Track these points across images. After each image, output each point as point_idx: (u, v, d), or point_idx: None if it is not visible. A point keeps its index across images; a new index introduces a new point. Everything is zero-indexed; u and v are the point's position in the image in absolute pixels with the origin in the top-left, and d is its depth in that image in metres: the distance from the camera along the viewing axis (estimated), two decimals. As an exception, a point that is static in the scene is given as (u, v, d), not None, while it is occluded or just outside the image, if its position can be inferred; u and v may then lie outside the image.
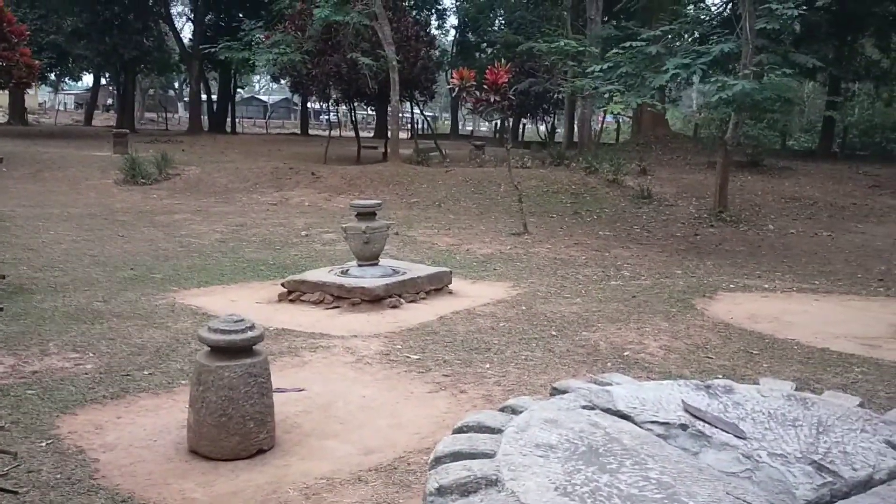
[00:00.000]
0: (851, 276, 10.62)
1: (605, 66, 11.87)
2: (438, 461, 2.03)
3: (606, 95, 12.23)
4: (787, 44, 18.76)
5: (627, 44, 11.79)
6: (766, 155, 22.92)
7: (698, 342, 6.18)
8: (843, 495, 1.91)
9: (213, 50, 23.96)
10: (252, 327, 3.98)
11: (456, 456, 2.02)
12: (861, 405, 2.50)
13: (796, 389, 2.63)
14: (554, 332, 6.51)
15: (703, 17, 24.98)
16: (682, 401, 2.39)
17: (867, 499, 1.89)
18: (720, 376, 5.22)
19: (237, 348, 3.92)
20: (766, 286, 9.18)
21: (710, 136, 22.83)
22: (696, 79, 11.62)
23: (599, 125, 29.54)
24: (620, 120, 32.67)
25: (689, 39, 13.39)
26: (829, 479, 1.97)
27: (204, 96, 42.67)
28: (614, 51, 12.03)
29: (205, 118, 40.50)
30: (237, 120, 44.80)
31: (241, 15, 35.78)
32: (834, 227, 15.60)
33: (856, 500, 1.89)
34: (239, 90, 48.96)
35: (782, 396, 2.48)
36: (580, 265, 10.54)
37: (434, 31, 34.29)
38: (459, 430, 2.23)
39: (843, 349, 6.10)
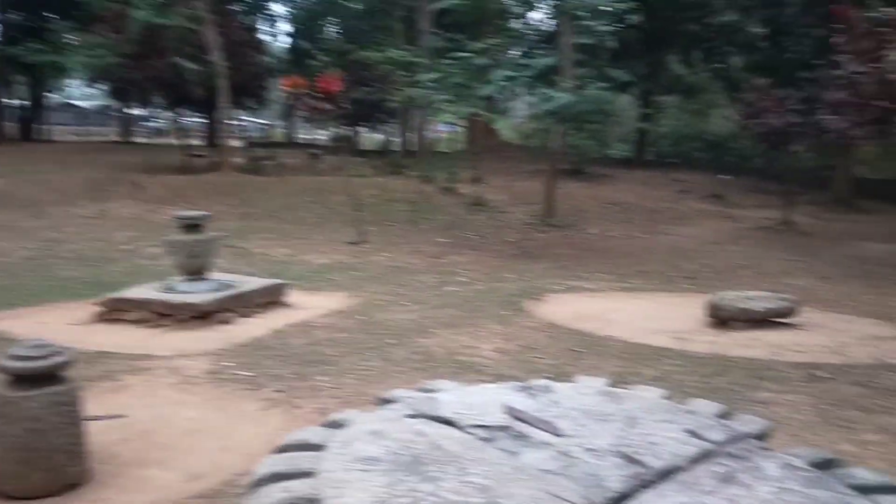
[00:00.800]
0: (663, 274, 11.49)
1: (435, 77, 12.11)
2: (257, 484, 1.95)
3: (438, 105, 12.47)
4: (604, 59, 20.05)
5: (457, 55, 12.11)
6: (588, 163, 24.32)
7: (528, 343, 6.41)
8: (650, 484, 2.03)
9: (17, 52, 22.00)
10: (58, 352, 3.66)
11: (276, 477, 1.95)
12: (666, 397, 2.68)
13: (610, 385, 2.78)
14: (391, 341, 6.51)
15: (527, 32, 26.24)
16: (504, 403, 2.46)
17: (670, 486, 2.02)
18: (548, 375, 5.44)
19: (41, 375, 3.59)
20: (590, 287, 9.72)
21: (538, 146, 23.89)
22: (520, 90, 12.12)
23: (435, 134, 30.13)
24: (455, 129, 33.47)
25: (516, 53, 13.95)
26: (638, 469, 2.08)
27: (13, 101, 38.99)
28: (445, 61, 12.32)
29: (12, 125, 37.02)
30: (51, 127, 41.36)
31: (50, 15, 33.09)
32: (648, 230, 16.83)
33: (661, 487, 2.01)
34: (52, 95, 45.27)
35: (596, 393, 2.62)
36: (418, 272, 10.65)
37: (265, 37, 33.48)
38: (281, 450, 2.16)
39: (657, 343, 6.56)
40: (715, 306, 7.34)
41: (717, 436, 2.31)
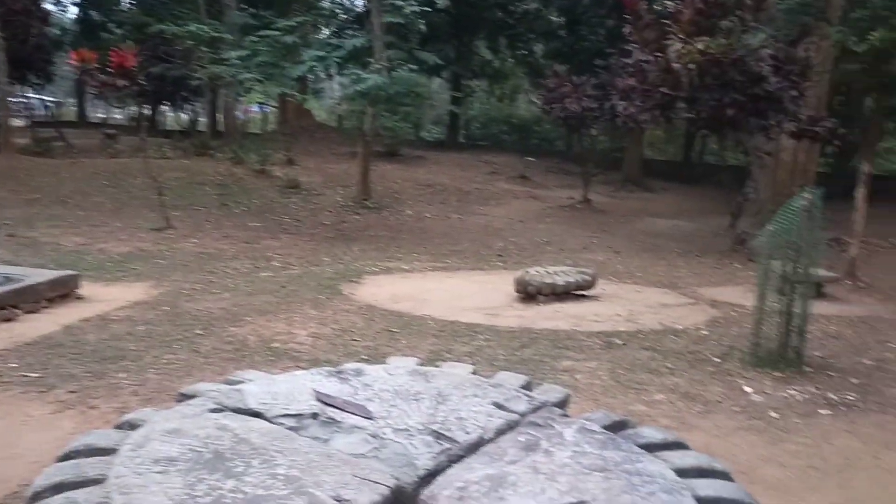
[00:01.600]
0: (476, 253, 11.88)
1: (242, 54, 11.61)
2: (36, 497, 1.75)
3: (246, 84, 11.98)
4: (415, 42, 20.25)
5: (264, 32, 11.68)
6: (402, 145, 24.56)
7: (345, 326, 6.36)
8: (458, 458, 2.07)
9: None
10: None
11: (58, 488, 1.77)
12: (474, 372, 2.76)
13: (421, 364, 2.80)
14: (200, 331, 6.19)
15: (337, 11, 25.91)
16: (314, 389, 2.40)
17: (478, 458, 2.07)
18: (365, 357, 5.43)
19: None
20: (406, 267, 9.83)
21: (352, 127, 23.75)
22: (333, 71, 11.93)
23: (245, 114, 28.98)
24: (266, 109, 32.44)
25: (327, 32, 13.70)
26: (447, 445, 2.11)
27: None
28: (251, 38, 11.84)
29: None
30: None
31: None
32: (462, 210, 17.31)
33: (468, 461, 2.05)
34: None
35: (407, 373, 2.63)
36: (229, 259, 10.22)
37: (49, 6, 30.42)
38: (65, 457, 1.96)
39: (470, 320, 6.76)
40: (522, 282, 7.68)
41: (521, 407, 2.40)
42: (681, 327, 6.73)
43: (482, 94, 39.37)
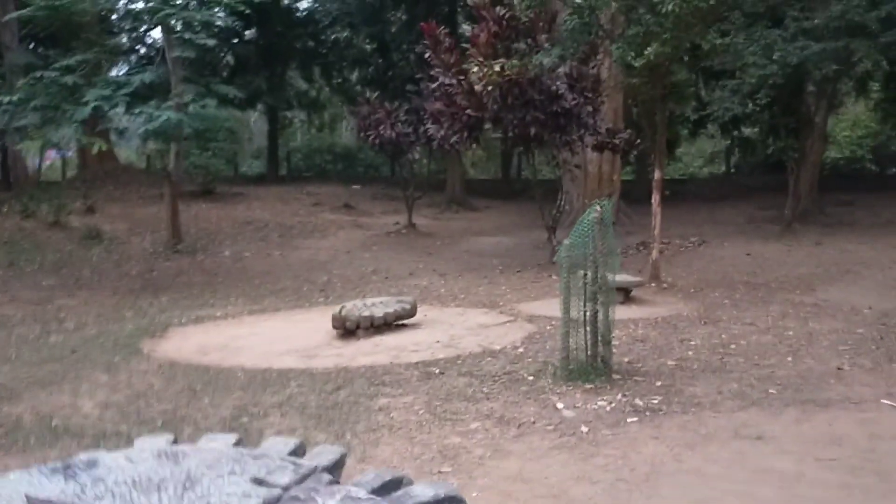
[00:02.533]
0: (298, 290, 11.45)
1: (14, 98, 10.52)
2: None
3: (23, 130, 10.89)
4: (220, 75, 19.51)
5: (38, 74, 10.66)
6: (218, 183, 23.54)
7: (140, 389, 5.76)
8: (199, 559, 1.75)
9: None
10: None
11: None
12: (238, 442, 2.44)
13: (173, 442, 2.44)
14: (-37, 416, 5.36)
15: (137, 47, 24.50)
16: (27, 495, 1.98)
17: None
18: (160, 423, 4.91)
19: None
20: (219, 314, 9.23)
21: (160, 168, 22.46)
22: (120, 110, 11.11)
23: (41, 162, 26.61)
24: (64, 155, 30.01)
25: (114, 70, 12.78)
26: (187, 544, 1.78)
27: None
28: (22, 81, 10.77)
29: None
30: None
31: None
32: (284, 246, 16.75)
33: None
34: None
35: (153, 456, 2.26)
36: (14, 324, 9.12)
37: None
38: None
39: (284, 365, 6.37)
40: (339, 318, 7.39)
41: (286, 478, 2.11)
42: (498, 347, 6.71)
43: (302, 125, 38.79)
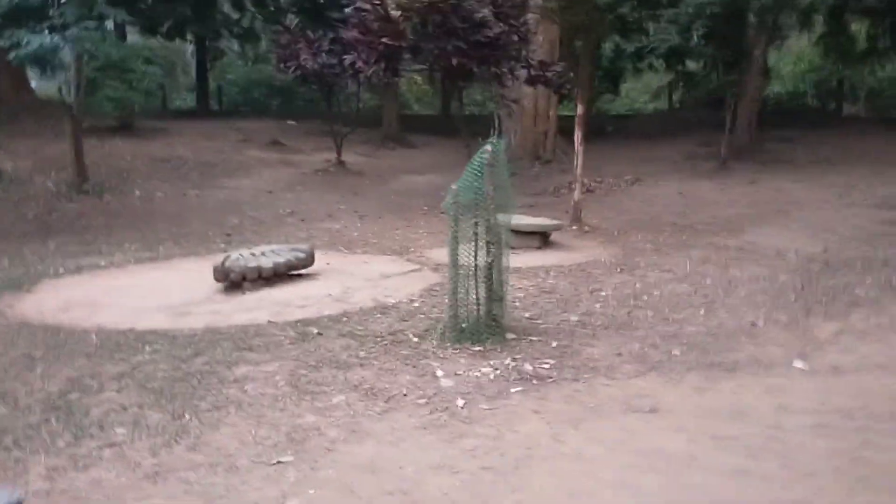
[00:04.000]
0: (202, 235, 10.63)
1: None
2: None
3: None
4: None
5: None
6: (139, 117, 22.16)
7: (-32, 357, 5.01)
8: None
9: None
10: None
11: None
12: None
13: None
14: None
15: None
16: None
17: None
18: (-25, 401, 4.21)
19: None
20: (104, 263, 8.41)
21: (58, 102, 20.91)
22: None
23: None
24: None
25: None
26: None
27: None
28: None
29: None
30: None
31: None
32: (203, 185, 15.76)
33: None
34: None
35: None
36: None
37: None
38: None
39: (148, 325, 5.67)
40: (222, 269, 6.68)
41: None
42: (393, 301, 6.12)
43: (237, 57, 36.92)
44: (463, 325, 4.94)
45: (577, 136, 9.14)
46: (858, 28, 24.27)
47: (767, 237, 8.66)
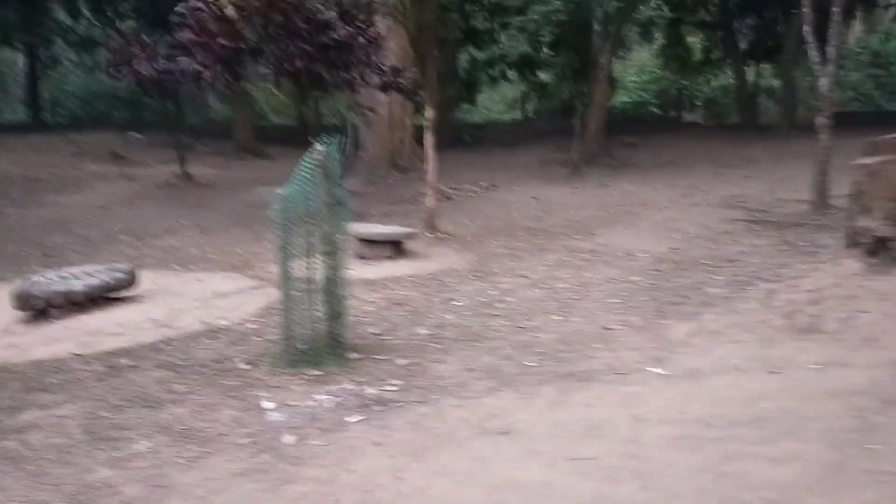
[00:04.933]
0: (16, 256, 9.43)
1: None
2: None
3: None
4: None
5: None
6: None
7: None
8: None
9: None
10: None
11: None
12: None
13: None
14: None
15: None
16: None
17: None
18: None
19: None
20: None
21: None
22: None
23: None
24: None
25: None
26: None
27: None
28: None
29: None
30: None
31: None
32: (25, 204, 14.22)
33: None
34: None
35: None
36: None
37: None
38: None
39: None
40: (22, 295, 5.78)
41: None
42: (225, 323, 5.48)
43: (76, 66, 34.21)
44: (299, 347, 4.40)
45: (428, 139, 8.80)
46: (694, 41, 25.73)
47: (618, 238, 8.67)
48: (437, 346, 4.76)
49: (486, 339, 4.86)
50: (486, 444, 3.37)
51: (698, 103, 28.52)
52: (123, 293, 6.36)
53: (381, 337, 4.98)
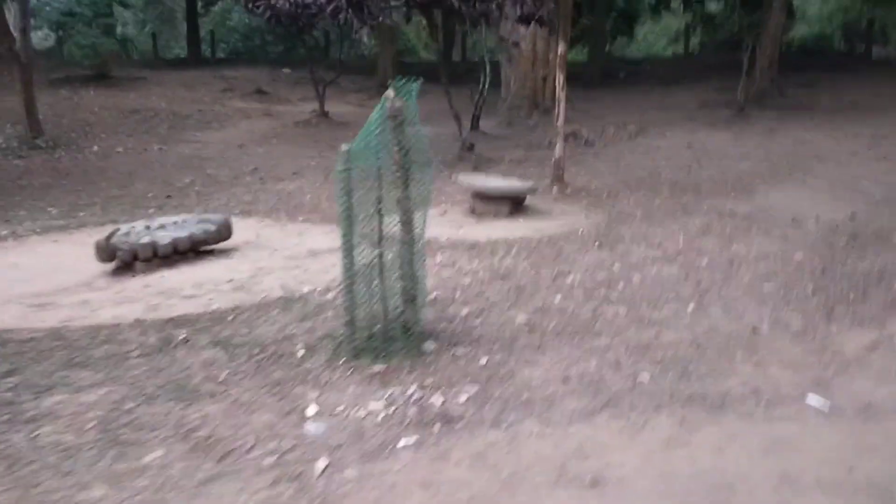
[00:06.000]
0: (141, 197, 9.43)
1: None
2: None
3: None
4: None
5: None
6: (125, 65, 20.88)
7: None
8: None
9: None
10: None
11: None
12: None
13: None
14: None
15: None
16: None
17: None
18: None
19: None
20: (3, 232, 7.24)
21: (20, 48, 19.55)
22: None
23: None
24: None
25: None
26: None
27: None
28: None
29: None
30: None
31: None
32: (170, 139, 14.52)
33: None
34: None
35: None
36: None
37: None
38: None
39: (-8, 321, 4.49)
40: (106, 247, 5.47)
41: None
42: (307, 290, 4.89)
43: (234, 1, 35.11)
44: (362, 335, 3.70)
45: (559, 80, 7.72)
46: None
47: (783, 199, 7.30)
48: (531, 339, 3.90)
49: (595, 335, 3.94)
50: (567, 498, 2.52)
51: (892, 37, 24.87)
52: (218, 245, 5.95)
53: (470, 321, 4.18)
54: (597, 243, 5.81)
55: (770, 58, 15.47)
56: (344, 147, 3.58)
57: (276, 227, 6.97)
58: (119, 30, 27.95)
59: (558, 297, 4.57)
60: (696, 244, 5.68)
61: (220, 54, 32.10)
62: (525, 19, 12.34)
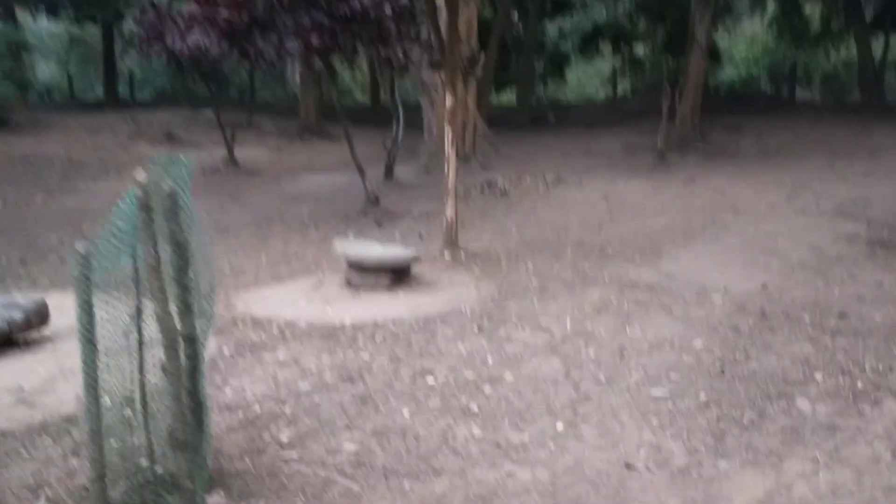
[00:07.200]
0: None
1: None
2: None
3: None
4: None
5: None
6: (34, 109, 19.69)
7: None
8: None
9: None
10: None
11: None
12: None
13: None
14: None
15: None
16: None
17: None
18: None
19: None
20: None
21: None
22: None
23: None
24: None
25: None
26: None
27: None
28: None
29: None
30: None
31: None
32: (58, 191, 13.42)
33: None
34: None
35: None
36: None
37: None
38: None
39: None
40: None
41: None
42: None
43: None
44: (123, 488, 2.81)
45: (448, 136, 7.00)
46: (812, 10, 22.62)
47: (692, 264, 6.68)
48: (348, 486, 3.05)
49: (434, 474, 3.11)
50: None
51: (815, 80, 25.25)
52: (25, 336, 4.99)
53: (285, 453, 3.32)
54: (477, 327, 5.02)
55: (692, 103, 15.23)
56: (80, 246, 2.69)
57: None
58: (35, 72, 26.71)
59: (407, 411, 3.74)
60: (586, 327, 4.95)
61: (145, 96, 30.91)
62: (437, 65, 11.77)
